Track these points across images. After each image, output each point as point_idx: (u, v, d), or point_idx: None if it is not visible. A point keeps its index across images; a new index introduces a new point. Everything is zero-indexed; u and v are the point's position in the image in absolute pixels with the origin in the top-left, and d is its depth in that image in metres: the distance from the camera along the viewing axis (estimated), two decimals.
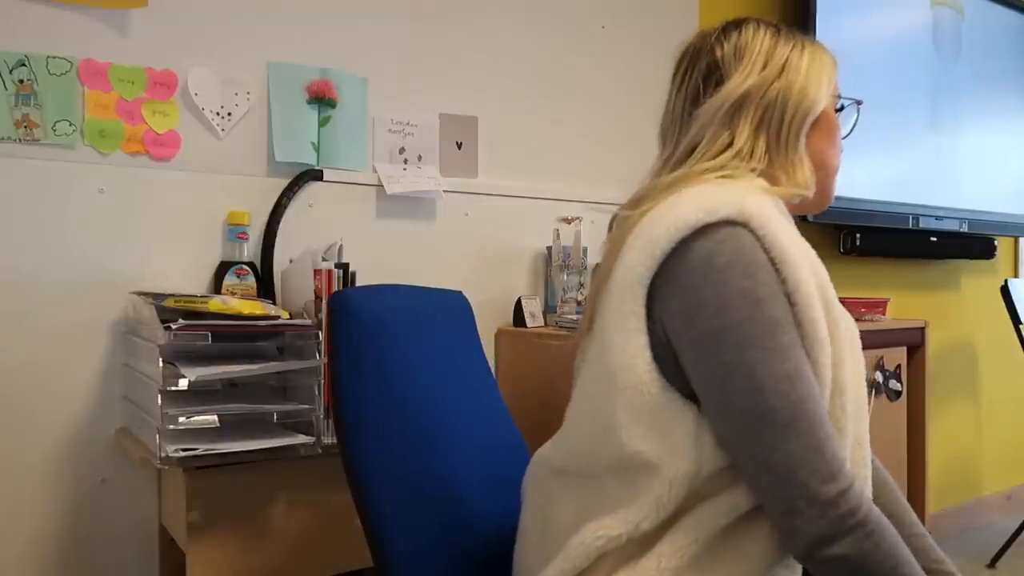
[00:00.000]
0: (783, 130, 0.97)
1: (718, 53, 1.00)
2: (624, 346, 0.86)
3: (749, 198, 0.86)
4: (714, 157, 0.95)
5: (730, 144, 0.96)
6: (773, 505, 0.80)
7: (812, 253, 0.90)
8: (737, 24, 1.02)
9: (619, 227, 0.95)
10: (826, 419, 0.81)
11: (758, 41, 0.99)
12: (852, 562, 0.78)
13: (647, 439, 0.84)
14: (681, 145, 0.99)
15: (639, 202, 0.96)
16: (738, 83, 0.96)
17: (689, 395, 0.85)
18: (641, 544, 0.85)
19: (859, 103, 1.06)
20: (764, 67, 0.97)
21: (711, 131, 0.96)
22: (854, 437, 0.88)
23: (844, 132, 1.06)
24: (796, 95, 0.97)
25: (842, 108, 1.05)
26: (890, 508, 1.07)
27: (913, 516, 1.09)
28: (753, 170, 0.95)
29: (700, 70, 1.01)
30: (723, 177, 0.93)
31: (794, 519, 0.78)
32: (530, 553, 0.98)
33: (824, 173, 1.01)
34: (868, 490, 0.91)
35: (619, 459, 0.87)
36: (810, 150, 0.99)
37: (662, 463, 0.83)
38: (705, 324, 0.81)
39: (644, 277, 0.85)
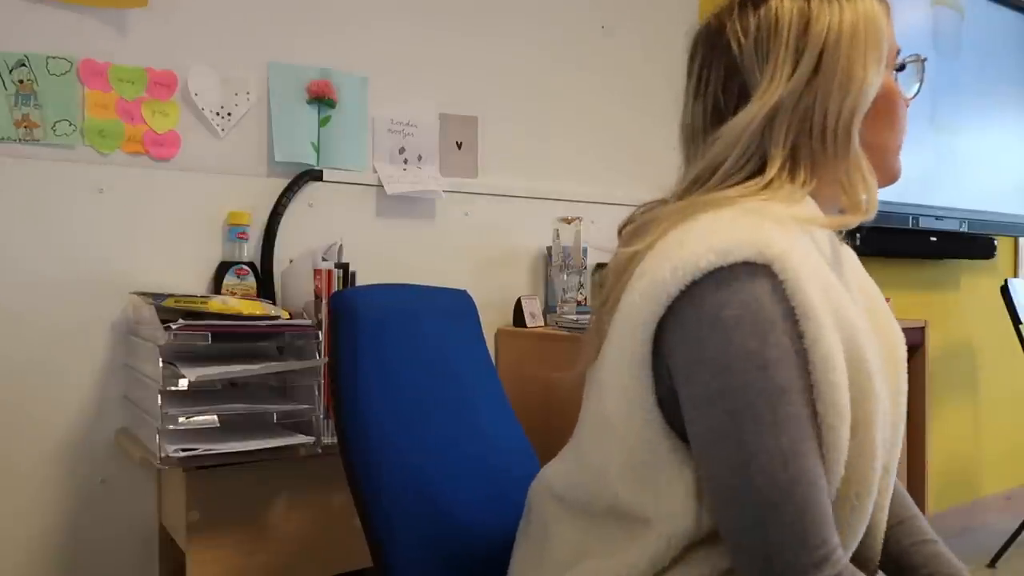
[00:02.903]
0: (827, 138, 0.80)
1: (735, 49, 0.83)
2: (624, 392, 0.78)
3: (775, 233, 0.73)
4: (742, 182, 0.82)
5: (761, 170, 0.81)
6: None
7: (846, 300, 0.77)
8: None
9: (623, 256, 0.82)
10: (819, 504, 0.70)
11: (785, 21, 0.81)
12: None
13: (642, 492, 0.78)
14: (702, 164, 0.85)
15: (643, 233, 0.82)
16: (767, 96, 0.80)
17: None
18: None
19: (923, 60, 0.89)
20: (796, 64, 0.80)
21: (737, 151, 0.82)
22: (883, 469, 0.79)
23: (909, 93, 0.89)
24: (838, 90, 0.80)
25: (902, 68, 0.88)
26: (902, 515, 0.99)
27: (924, 523, 0.99)
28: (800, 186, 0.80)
29: (718, 75, 0.85)
30: (759, 197, 0.79)
31: None
32: (527, 568, 0.95)
33: (884, 156, 0.86)
34: (881, 535, 0.86)
35: (613, 506, 0.82)
36: (866, 143, 0.82)
37: (658, 520, 0.77)
38: (703, 383, 0.72)
39: (650, 322, 0.74)
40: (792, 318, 0.71)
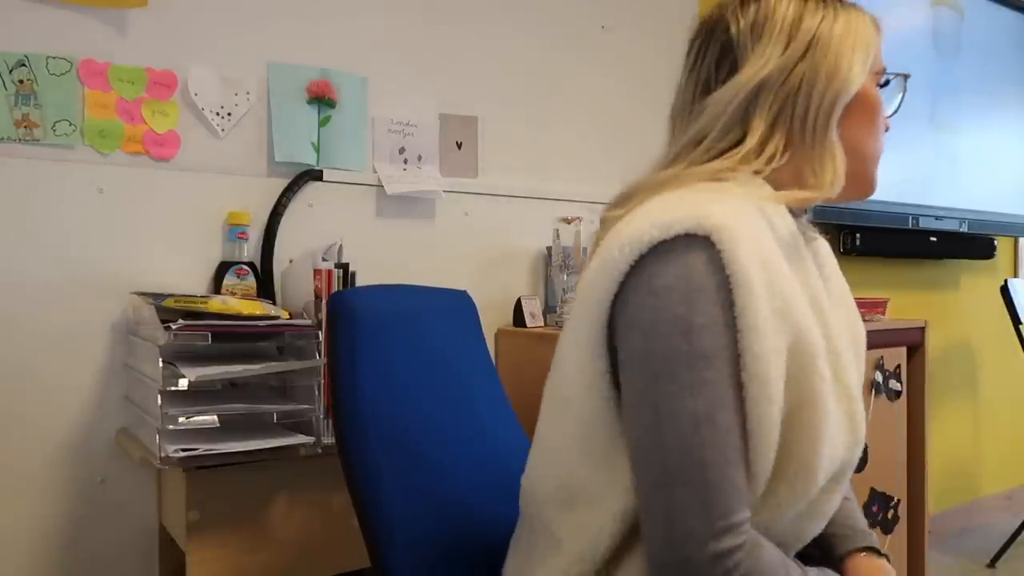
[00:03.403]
0: (808, 121, 0.84)
1: (733, 30, 0.87)
2: (580, 370, 0.80)
3: (716, 207, 0.76)
4: (719, 155, 0.85)
5: (740, 141, 0.85)
6: (649, 550, 0.73)
7: (788, 278, 0.78)
8: None
9: (602, 229, 0.87)
10: (730, 470, 0.71)
11: (781, 13, 0.86)
12: None
13: (598, 471, 0.80)
14: (687, 136, 0.89)
15: (624, 201, 0.87)
16: (755, 70, 0.84)
17: None
18: (610, 565, 0.82)
19: (906, 77, 0.94)
20: (786, 47, 0.84)
21: (721, 124, 0.85)
22: (831, 459, 0.80)
23: (889, 111, 0.93)
24: (824, 78, 0.84)
25: (887, 83, 0.92)
26: None
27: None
28: (758, 172, 0.84)
29: (713, 51, 0.89)
30: (716, 180, 0.83)
31: (662, 568, 0.71)
32: (514, 570, 0.96)
33: (860, 161, 0.89)
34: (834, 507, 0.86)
35: (565, 486, 0.83)
36: (843, 138, 0.86)
37: (609, 497, 0.79)
38: (632, 347, 0.75)
39: (604, 299, 0.77)
40: (726, 287, 0.73)
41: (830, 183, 0.84)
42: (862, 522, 0.99)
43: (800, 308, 0.78)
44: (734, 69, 0.87)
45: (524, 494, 0.95)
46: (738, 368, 0.73)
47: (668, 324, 0.73)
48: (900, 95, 0.95)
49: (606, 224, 0.87)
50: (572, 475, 0.83)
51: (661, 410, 0.72)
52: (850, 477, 0.88)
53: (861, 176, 0.90)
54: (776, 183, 0.85)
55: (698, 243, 0.74)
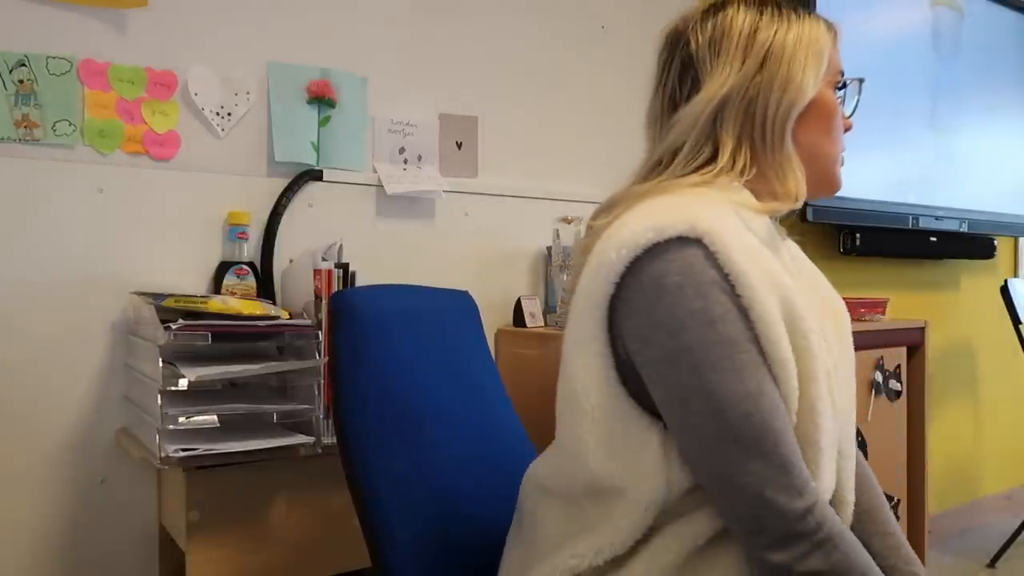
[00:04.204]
0: (767, 131, 0.89)
1: (692, 46, 0.92)
2: (587, 370, 0.84)
3: (703, 212, 0.81)
4: (697, 170, 0.90)
5: (714, 157, 0.90)
6: (741, 525, 0.78)
7: (776, 267, 0.84)
8: (717, 8, 0.94)
9: (588, 237, 0.92)
10: (791, 436, 0.78)
11: (737, 28, 0.91)
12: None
13: (614, 463, 0.83)
14: (662, 147, 0.94)
15: (610, 209, 0.92)
16: (716, 87, 0.89)
17: (656, 413, 0.83)
18: (615, 563, 0.84)
19: (861, 81, 0.98)
20: (743, 62, 0.89)
21: (693, 138, 0.91)
22: (836, 449, 0.86)
23: (847, 111, 0.97)
24: (778, 89, 0.89)
25: (844, 86, 0.97)
26: (866, 504, 1.03)
27: (888, 514, 1.05)
28: (734, 181, 0.89)
29: (676, 66, 0.95)
30: (699, 186, 0.88)
31: (763, 537, 0.76)
32: (513, 566, 0.97)
33: (820, 164, 0.94)
34: (851, 488, 0.91)
35: (589, 483, 0.85)
36: (801, 143, 0.92)
37: (630, 486, 0.82)
38: (661, 347, 0.79)
39: (601, 300, 0.82)
40: (728, 282, 0.79)
41: (794, 193, 0.90)
42: (912, 553, 1.04)
43: (796, 293, 0.84)
44: (696, 84, 0.92)
45: (530, 486, 0.97)
46: (760, 349, 0.79)
47: (691, 318, 0.77)
48: (856, 97, 0.99)
49: (592, 232, 0.92)
50: (592, 472, 0.84)
51: (717, 397, 0.76)
52: (853, 455, 0.93)
53: (824, 177, 0.95)
54: (751, 190, 0.91)
55: (692, 244, 0.79)
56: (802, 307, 0.83)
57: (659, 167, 0.94)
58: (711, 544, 0.82)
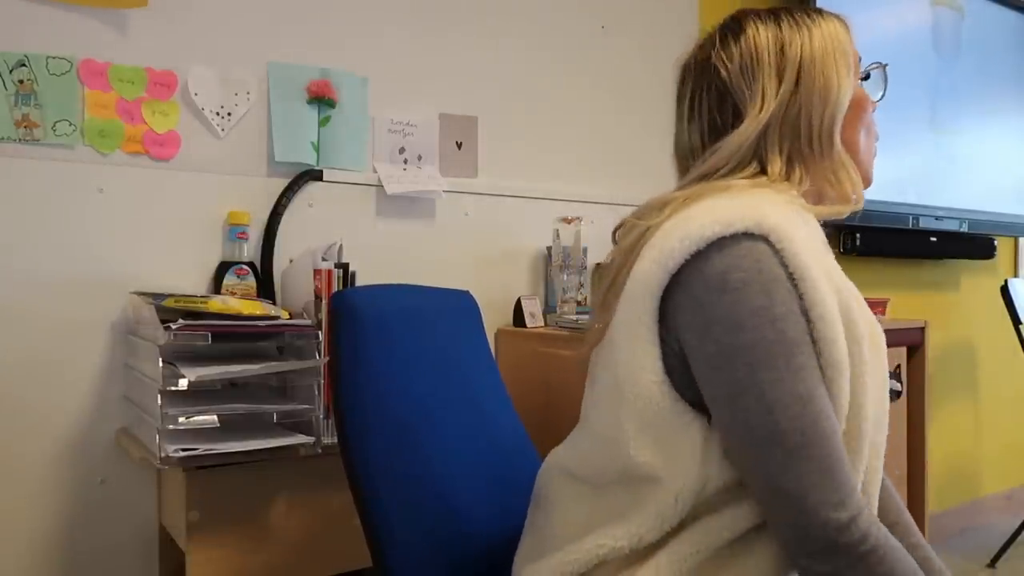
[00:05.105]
0: (815, 143, 0.90)
1: (724, 74, 0.92)
2: (633, 357, 0.84)
3: (769, 209, 0.81)
4: (748, 179, 0.90)
5: (761, 172, 0.90)
6: (783, 530, 0.78)
7: (837, 269, 0.87)
8: (735, 29, 0.94)
9: (631, 235, 0.90)
10: (839, 442, 0.78)
11: (763, 47, 0.91)
12: None
13: (653, 452, 0.83)
14: (704, 168, 0.93)
15: (661, 208, 0.89)
16: (758, 113, 0.89)
17: (699, 407, 0.83)
18: (641, 554, 0.84)
19: (884, 66, 0.99)
20: (780, 82, 0.89)
21: (736, 158, 0.91)
22: (871, 449, 0.86)
23: (875, 97, 0.98)
24: (819, 101, 0.90)
25: (867, 77, 0.98)
26: (891, 517, 1.04)
27: (913, 525, 1.05)
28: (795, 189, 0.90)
29: (711, 97, 0.94)
30: (759, 187, 0.88)
31: (805, 545, 0.76)
32: (530, 555, 0.97)
33: (859, 160, 0.95)
34: (876, 500, 0.90)
35: (625, 470, 0.86)
36: (845, 143, 0.93)
37: (667, 477, 0.82)
38: (718, 342, 0.78)
39: (656, 289, 0.82)
40: (792, 281, 0.79)
41: (852, 195, 0.92)
42: (943, 567, 1.04)
43: (855, 297, 0.86)
44: (737, 112, 0.92)
45: (553, 472, 0.97)
46: (816, 351, 0.79)
47: (753, 316, 0.77)
48: (883, 82, 1.00)
49: (632, 231, 0.89)
50: (630, 460, 0.85)
51: (768, 397, 0.76)
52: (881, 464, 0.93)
53: (864, 173, 0.96)
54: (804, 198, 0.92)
55: (759, 240, 0.79)
56: (856, 311, 0.84)
57: (701, 180, 0.92)
58: (740, 542, 0.82)
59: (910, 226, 2.79)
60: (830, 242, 0.95)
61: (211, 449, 1.27)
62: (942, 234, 2.94)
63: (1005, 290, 2.85)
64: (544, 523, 0.96)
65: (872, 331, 0.89)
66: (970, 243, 3.11)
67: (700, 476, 0.81)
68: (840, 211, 0.92)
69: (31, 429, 1.45)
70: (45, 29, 1.46)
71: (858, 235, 2.65)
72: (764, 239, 0.79)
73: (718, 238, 0.79)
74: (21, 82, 1.44)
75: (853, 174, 0.92)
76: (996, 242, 3.22)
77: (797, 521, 0.76)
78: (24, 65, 1.44)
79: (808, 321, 0.79)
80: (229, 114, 1.64)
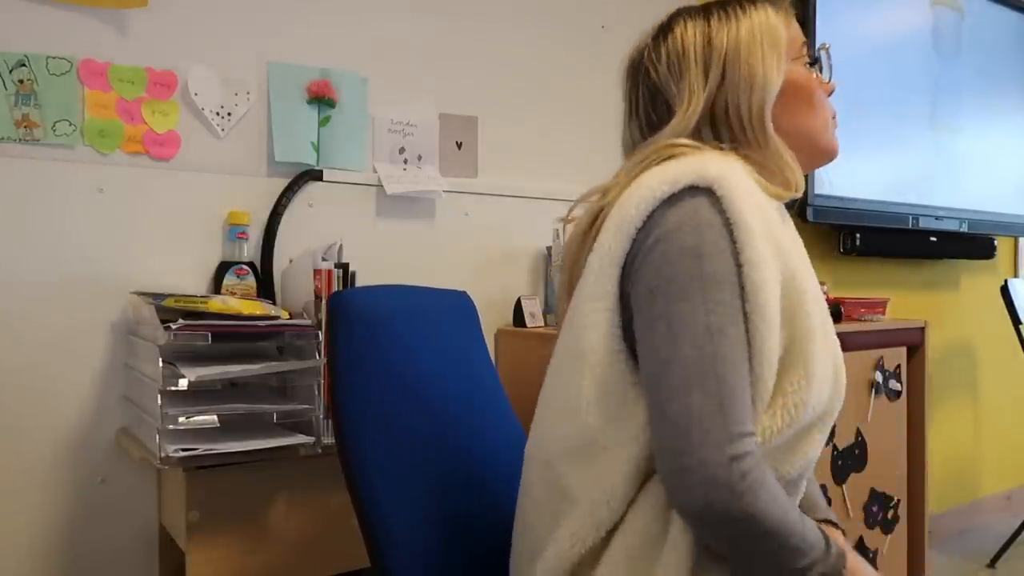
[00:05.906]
0: (747, 131, 0.91)
1: (653, 75, 0.95)
2: (596, 326, 0.85)
3: (714, 163, 0.83)
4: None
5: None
6: (663, 460, 0.77)
7: (785, 233, 0.87)
8: (666, 29, 0.97)
9: (585, 218, 0.93)
10: (740, 383, 0.77)
11: (690, 43, 0.93)
12: (738, 526, 0.74)
13: (606, 420, 0.84)
14: (636, 159, 0.94)
15: (601, 194, 0.94)
16: (687, 108, 0.91)
17: None
18: (605, 540, 0.85)
19: (827, 47, 1.00)
20: (706, 76, 0.91)
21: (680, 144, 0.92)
22: (824, 409, 0.86)
23: (826, 78, 0.99)
24: (744, 89, 0.90)
25: (815, 62, 0.97)
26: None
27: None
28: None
29: (644, 96, 0.97)
30: (700, 151, 0.88)
31: (680, 479, 0.74)
32: (521, 548, 0.97)
33: (810, 140, 0.96)
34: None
35: (580, 436, 0.86)
36: (787, 128, 0.93)
37: (621, 443, 0.83)
38: (646, 281, 0.80)
39: (618, 257, 0.84)
40: (728, 227, 0.80)
41: (792, 181, 0.92)
42: (823, 500, 1.07)
43: (791, 252, 0.85)
44: (670, 110, 0.94)
45: (530, 460, 0.96)
46: (743, 299, 0.79)
47: (679, 253, 0.79)
48: (829, 62, 1.00)
49: (587, 215, 0.93)
50: (588, 427, 0.85)
51: (676, 325, 0.77)
52: (830, 428, 0.92)
53: (818, 148, 0.97)
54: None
55: (701, 192, 0.82)
56: (803, 280, 0.84)
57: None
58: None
59: (910, 226, 2.79)
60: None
61: (211, 449, 1.27)
62: (942, 234, 2.94)
63: (1005, 290, 2.85)
64: (521, 513, 0.96)
65: (822, 307, 0.89)
66: (970, 243, 3.11)
67: (645, 447, 0.82)
68: (781, 195, 0.91)
69: (31, 429, 1.45)
70: (45, 29, 1.46)
71: (858, 235, 2.65)
72: (707, 190, 0.81)
73: (667, 196, 0.82)
74: (21, 82, 1.44)
75: (791, 161, 0.92)
76: (996, 242, 3.22)
77: (678, 450, 0.74)
78: (24, 65, 1.44)
79: (738, 265, 0.79)
80: (229, 114, 1.64)
